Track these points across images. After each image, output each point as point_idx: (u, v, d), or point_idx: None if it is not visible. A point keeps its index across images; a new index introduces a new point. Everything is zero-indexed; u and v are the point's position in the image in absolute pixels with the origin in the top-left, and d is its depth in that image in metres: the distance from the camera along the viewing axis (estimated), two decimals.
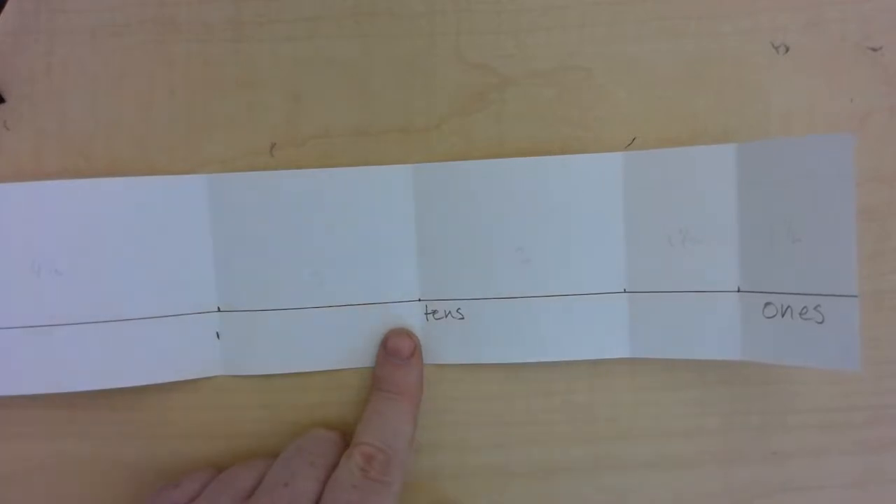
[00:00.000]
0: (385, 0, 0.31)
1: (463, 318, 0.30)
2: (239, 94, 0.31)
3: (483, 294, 0.30)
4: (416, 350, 0.30)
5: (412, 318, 0.31)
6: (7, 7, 0.30)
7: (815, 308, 0.26)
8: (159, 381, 0.30)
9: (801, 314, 0.27)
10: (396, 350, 0.30)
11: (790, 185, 0.27)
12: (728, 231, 0.29)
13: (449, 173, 0.30)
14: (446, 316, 0.30)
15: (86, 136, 0.31)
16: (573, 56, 0.31)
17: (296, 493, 0.25)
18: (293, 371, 0.31)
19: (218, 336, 0.30)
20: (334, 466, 0.27)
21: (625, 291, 0.30)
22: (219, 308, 0.30)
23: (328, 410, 0.31)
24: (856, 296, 0.25)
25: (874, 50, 0.31)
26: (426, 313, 0.30)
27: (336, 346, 0.30)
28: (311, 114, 0.31)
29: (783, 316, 0.27)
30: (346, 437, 0.29)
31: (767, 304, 0.28)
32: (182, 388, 0.31)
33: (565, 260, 0.30)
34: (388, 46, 0.31)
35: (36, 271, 0.29)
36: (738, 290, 0.29)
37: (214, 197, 0.30)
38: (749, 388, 0.31)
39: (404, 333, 0.30)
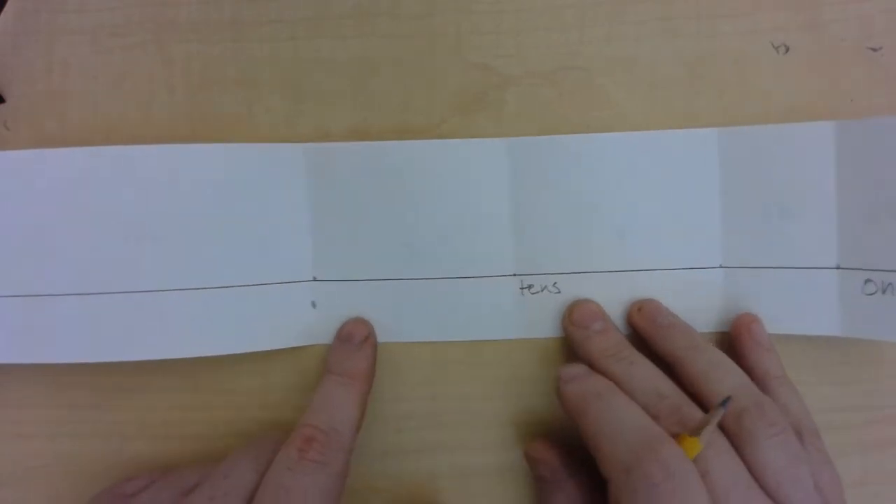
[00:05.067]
0: (385, 0, 0.31)
1: (559, 293, 0.30)
2: (239, 94, 0.31)
3: (579, 268, 0.30)
4: (368, 337, 0.30)
5: (507, 292, 0.30)
6: (7, 7, 0.30)
7: None
8: (255, 349, 0.30)
9: None
10: (349, 335, 0.30)
11: (891, 164, 0.27)
12: (826, 208, 0.29)
13: (545, 147, 0.30)
14: (542, 290, 0.30)
15: (86, 136, 0.31)
16: (573, 56, 0.31)
17: (234, 483, 0.25)
18: (387, 341, 0.31)
19: (314, 305, 0.30)
20: None
21: (720, 267, 0.30)
22: (315, 277, 0.30)
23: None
24: None
25: (874, 50, 0.31)
26: (521, 287, 0.30)
27: (430, 318, 0.30)
28: (311, 114, 0.31)
29: (884, 293, 0.28)
30: None
31: (867, 280, 0.28)
32: (182, 388, 0.31)
33: (662, 234, 0.30)
34: (388, 46, 0.31)
35: (135, 237, 0.29)
36: (838, 268, 0.29)
37: (311, 166, 0.30)
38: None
39: (359, 320, 0.30)
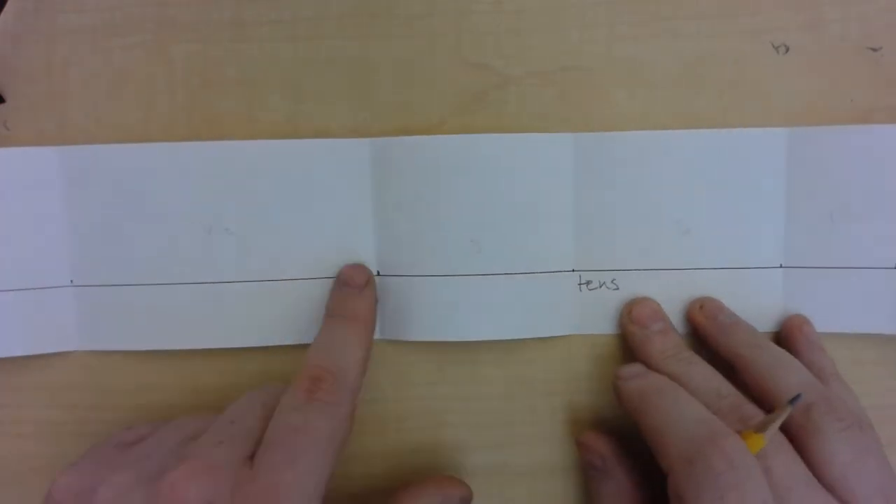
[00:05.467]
0: (385, 0, 0.31)
1: (617, 289, 0.30)
2: (239, 94, 0.31)
3: (639, 265, 0.30)
4: (369, 282, 0.30)
5: (565, 288, 0.30)
6: (7, 7, 0.30)
7: None
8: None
9: None
10: (350, 278, 0.29)
11: None
12: (891, 209, 0.29)
13: (610, 143, 0.30)
14: (600, 286, 0.30)
15: (86, 136, 0.31)
16: (573, 56, 0.31)
17: (240, 427, 0.25)
18: (448, 339, 0.30)
19: (376, 300, 0.30)
20: None
21: (781, 266, 0.30)
22: (378, 272, 0.30)
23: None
24: None
25: (874, 50, 0.31)
26: (580, 283, 0.30)
27: (489, 315, 0.30)
28: (311, 114, 0.31)
29: None
30: None
31: None
32: (182, 388, 0.31)
33: (723, 233, 0.30)
34: (388, 46, 0.31)
35: (208, 230, 0.30)
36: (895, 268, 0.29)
37: (377, 160, 0.30)
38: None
39: (358, 265, 0.30)
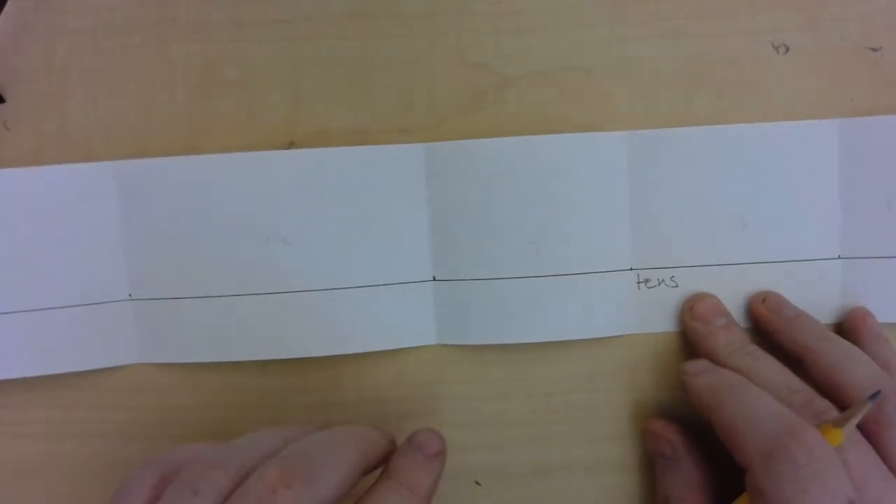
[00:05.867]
0: (385, 0, 0.31)
1: (676, 286, 0.30)
2: (239, 94, 0.31)
3: (697, 261, 0.30)
4: (442, 451, 0.27)
5: (624, 287, 0.30)
6: (7, 7, 0.30)
7: None
8: (377, 348, 0.30)
9: None
10: (422, 444, 0.27)
11: None
12: None
13: (664, 140, 0.30)
14: (659, 284, 0.30)
15: (86, 136, 0.31)
16: (573, 56, 0.31)
17: None
18: (506, 342, 0.30)
19: (434, 306, 0.30)
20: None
21: (839, 258, 0.30)
22: (434, 277, 0.30)
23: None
24: None
25: (874, 50, 0.31)
26: (638, 282, 0.30)
27: (547, 317, 0.30)
28: (311, 114, 0.31)
29: None
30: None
31: None
32: (182, 388, 0.31)
33: (780, 226, 0.30)
34: (388, 46, 0.31)
35: (265, 240, 0.30)
36: None
37: (432, 165, 0.30)
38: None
39: (435, 433, 0.27)
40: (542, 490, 0.31)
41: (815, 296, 0.30)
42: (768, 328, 0.30)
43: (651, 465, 0.31)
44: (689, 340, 0.30)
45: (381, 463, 0.26)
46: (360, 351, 0.30)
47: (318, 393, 0.31)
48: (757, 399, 0.25)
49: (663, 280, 0.30)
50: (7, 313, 0.30)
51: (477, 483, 0.31)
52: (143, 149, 0.31)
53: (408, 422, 0.31)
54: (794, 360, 0.28)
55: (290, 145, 0.31)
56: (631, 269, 0.30)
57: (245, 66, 0.31)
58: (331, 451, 0.25)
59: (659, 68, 0.31)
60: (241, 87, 0.31)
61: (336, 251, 0.30)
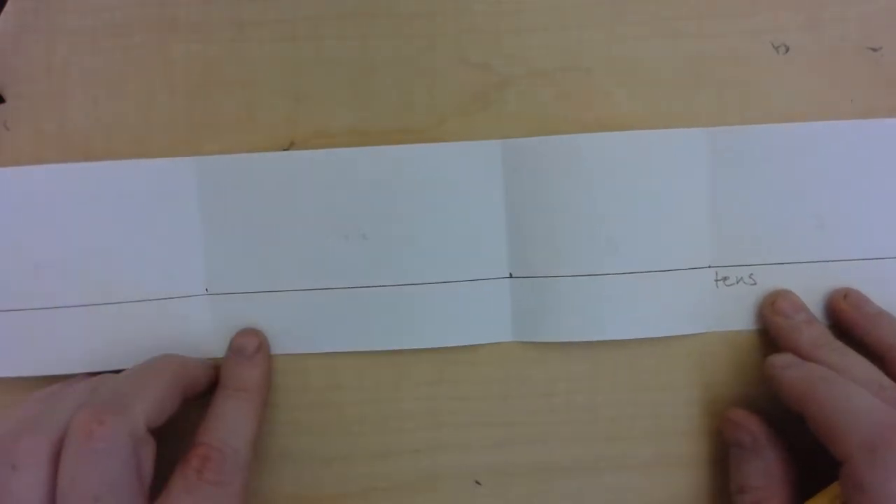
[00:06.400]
0: (385, 0, 0.31)
1: (755, 284, 0.30)
2: (239, 94, 0.31)
3: (777, 259, 0.30)
4: (261, 346, 0.30)
5: (702, 285, 0.30)
6: (7, 7, 0.30)
7: None
8: (452, 343, 0.31)
9: None
10: (241, 347, 0.29)
11: None
12: None
13: (744, 138, 0.30)
14: (737, 282, 0.30)
15: (86, 136, 0.31)
16: (573, 56, 0.31)
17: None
18: (582, 339, 0.30)
19: (510, 303, 0.30)
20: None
21: None
22: (511, 274, 0.30)
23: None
24: None
25: (874, 50, 0.31)
26: (716, 280, 0.30)
27: (625, 315, 0.30)
28: (311, 114, 0.31)
29: None
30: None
31: None
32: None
33: (859, 224, 0.30)
34: (388, 46, 0.31)
35: (345, 236, 0.30)
36: None
37: (509, 162, 0.30)
38: (749, 389, 0.31)
39: (250, 331, 0.30)
40: (542, 490, 0.31)
41: (893, 295, 0.30)
42: (849, 324, 0.29)
43: (653, 467, 0.31)
44: (771, 336, 0.30)
45: (204, 387, 0.29)
46: (435, 346, 0.31)
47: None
48: (854, 393, 0.25)
49: (741, 278, 0.30)
50: (86, 306, 0.30)
51: (477, 483, 0.31)
52: (142, 149, 0.31)
53: (408, 422, 0.31)
54: (875, 356, 0.28)
55: (290, 146, 0.31)
56: (709, 267, 0.30)
57: (245, 66, 0.31)
58: (138, 382, 0.26)
59: (659, 68, 0.31)
60: (241, 87, 0.31)
61: (414, 247, 0.30)
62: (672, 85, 0.31)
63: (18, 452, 0.24)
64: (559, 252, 0.30)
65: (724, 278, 0.30)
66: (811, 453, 0.26)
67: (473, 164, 0.30)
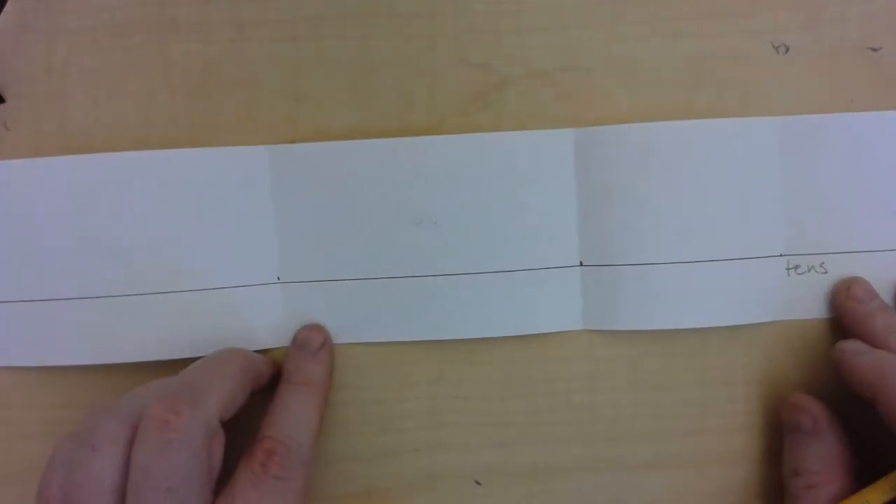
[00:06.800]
0: (385, 0, 0.31)
1: (826, 273, 0.30)
2: (239, 94, 0.31)
3: (849, 248, 0.30)
4: (325, 343, 0.30)
5: (774, 273, 0.30)
6: (7, 7, 0.30)
7: None
8: (522, 332, 0.31)
9: None
10: (305, 342, 0.30)
11: None
12: None
13: (816, 127, 0.30)
14: (809, 270, 0.30)
15: (86, 136, 0.31)
16: (573, 56, 0.31)
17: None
18: (655, 328, 0.30)
19: (580, 291, 0.30)
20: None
21: None
22: (581, 262, 0.30)
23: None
24: None
25: (874, 50, 0.31)
26: (787, 268, 0.30)
27: (695, 303, 0.30)
28: (311, 114, 0.31)
29: None
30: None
31: None
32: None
33: None
34: (388, 46, 0.31)
35: (417, 223, 0.30)
36: None
37: (581, 150, 0.30)
38: (749, 388, 0.31)
39: (315, 327, 0.30)
40: (542, 490, 0.31)
41: None
42: None
43: (653, 467, 0.31)
44: (844, 322, 0.30)
45: (267, 381, 0.29)
46: (506, 335, 0.31)
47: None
48: None
49: (813, 266, 0.30)
50: (159, 293, 0.30)
51: (477, 483, 0.31)
52: (142, 149, 0.30)
53: (408, 422, 0.31)
54: None
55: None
56: (781, 256, 0.30)
57: (245, 66, 0.31)
58: (209, 374, 0.27)
59: (659, 68, 0.31)
60: (241, 87, 0.31)
61: (485, 235, 0.30)
62: (672, 85, 0.31)
63: (97, 434, 0.24)
64: (630, 240, 0.30)
65: (796, 266, 0.30)
66: (869, 444, 0.27)
67: (545, 153, 0.30)
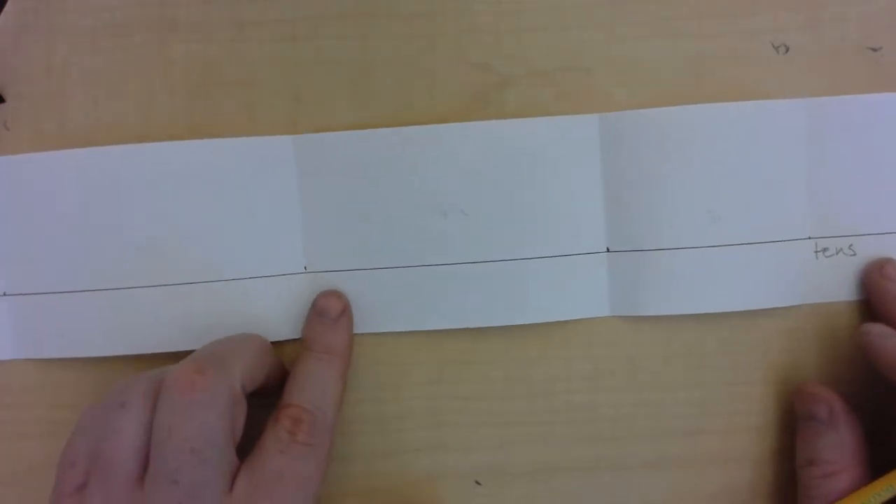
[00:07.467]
0: (385, 0, 0.31)
1: (854, 255, 0.30)
2: (239, 94, 0.31)
3: (877, 229, 0.30)
4: (345, 310, 0.30)
5: (801, 256, 0.30)
6: (7, 7, 0.30)
7: None
8: (550, 319, 0.31)
9: None
10: (325, 309, 0.29)
11: None
12: None
13: (842, 109, 0.30)
14: (837, 253, 0.30)
15: (86, 136, 0.31)
16: (573, 56, 0.31)
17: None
18: (683, 312, 0.30)
19: (608, 277, 0.30)
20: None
21: None
22: (608, 248, 0.30)
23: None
24: None
25: (874, 50, 0.31)
26: (816, 251, 0.30)
27: (723, 287, 0.30)
28: (311, 114, 0.31)
29: None
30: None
31: None
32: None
33: None
34: (388, 46, 0.31)
35: (444, 212, 0.30)
36: None
37: (606, 136, 0.30)
38: (749, 388, 0.31)
39: (334, 294, 0.30)
40: (542, 490, 0.31)
41: None
42: None
43: (653, 467, 0.31)
44: (875, 301, 0.30)
45: (275, 383, 0.28)
46: (533, 322, 0.31)
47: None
48: None
49: (841, 249, 0.30)
50: (185, 284, 0.30)
51: (477, 483, 0.31)
52: None
53: (408, 422, 0.31)
54: None
55: None
56: (809, 238, 0.30)
57: (245, 66, 0.31)
58: (234, 347, 0.27)
59: (659, 68, 0.31)
60: (241, 87, 0.31)
61: (512, 222, 0.30)
62: (672, 85, 0.31)
63: (127, 392, 0.25)
64: (658, 225, 0.30)
65: (824, 249, 0.30)
66: (885, 435, 0.27)
67: (571, 139, 0.30)
